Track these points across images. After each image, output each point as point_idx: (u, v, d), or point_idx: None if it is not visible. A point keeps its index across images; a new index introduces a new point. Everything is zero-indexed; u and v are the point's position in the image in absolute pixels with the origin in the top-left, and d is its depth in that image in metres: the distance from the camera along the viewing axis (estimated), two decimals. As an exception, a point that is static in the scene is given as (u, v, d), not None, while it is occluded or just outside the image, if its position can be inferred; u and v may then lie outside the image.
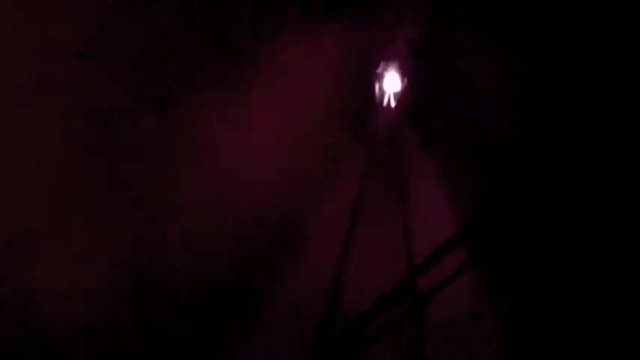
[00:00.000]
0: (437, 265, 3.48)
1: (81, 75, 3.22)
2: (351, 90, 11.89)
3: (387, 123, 15.66)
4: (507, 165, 4.81)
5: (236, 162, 4.90)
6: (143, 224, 3.69)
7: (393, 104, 17.80)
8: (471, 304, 4.08)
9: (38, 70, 2.98)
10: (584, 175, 3.37)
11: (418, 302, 3.71)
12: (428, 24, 10.46)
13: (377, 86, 17.81)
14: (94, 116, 3.33)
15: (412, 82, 16.20)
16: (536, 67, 4.26)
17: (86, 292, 3.12)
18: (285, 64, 6.19)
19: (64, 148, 3.07)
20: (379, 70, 17.52)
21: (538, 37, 4.19)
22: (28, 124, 2.90)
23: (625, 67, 3.10)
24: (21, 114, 2.89)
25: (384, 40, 14.70)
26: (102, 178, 3.35)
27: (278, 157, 5.83)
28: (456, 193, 6.78)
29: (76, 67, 3.20)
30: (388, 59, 17.71)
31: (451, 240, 3.51)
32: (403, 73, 18.05)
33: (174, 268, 3.81)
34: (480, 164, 6.11)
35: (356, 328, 3.84)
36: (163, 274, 3.73)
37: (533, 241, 3.74)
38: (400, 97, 18.08)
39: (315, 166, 7.58)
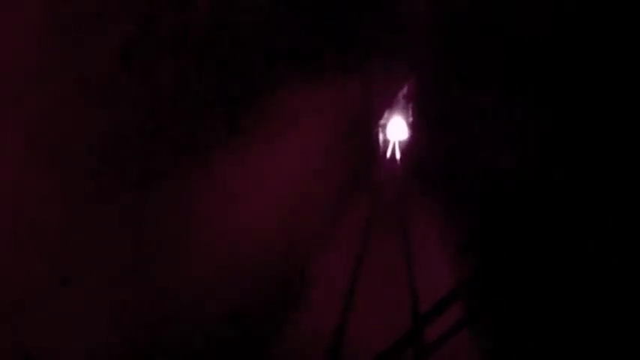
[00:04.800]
0: (439, 318, 3.44)
1: (79, 133, 3.23)
2: (354, 140, 12.02)
3: (390, 174, 15.78)
4: (510, 218, 4.82)
5: (237, 214, 4.93)
6: (145, 278, 3.69)
7: (397, 154, 17.97)
8: (474, 352, 4.03)
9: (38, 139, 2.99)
10: (588, 229, 3.38)
11: (420, 356, 3.65)
12: (430, 74, 10.67)
13: (381, 136, 18.03)
14: (93, 178, 3.34)
15: (416, 132, 16.41)
16: (540, 116, 4.34)
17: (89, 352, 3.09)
18: (287, 115, 6.29)
19: (65, 212, 3.07)
20: (383, 120, 17.77)
21: (543, 85, 4.28)
22: (29, 193, 2.90)
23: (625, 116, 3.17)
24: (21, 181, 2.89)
25: (387, 90, 14.96)
26: (103, 241, 3.35)
27: (279, 208, 5.86)
28: (458, 245, 6.77)
29: (73, 128, 3.22)
30: (392, 109, 18.00)
31: (453, 293, 3.49)
32: (407, 124, 18.29)
33: (177, 320, 3.80)
34: (483, 216, 6.12)
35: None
36: (164, 326, 3.71)
37: (534, 294, 3.73)
38: (404, 147, 18.25)
39: (317, 218, 7.61)
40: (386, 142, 18.59)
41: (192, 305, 3.94)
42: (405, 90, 16.38)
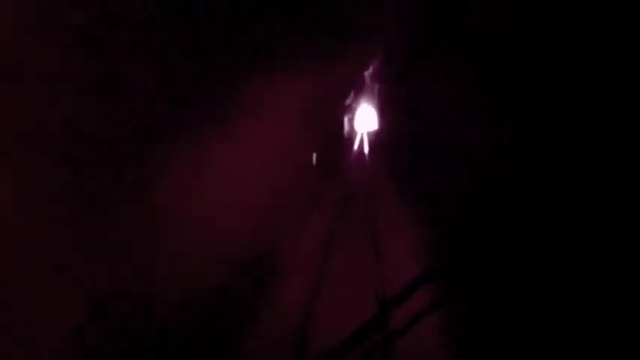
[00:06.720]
0: (407, 301, 3.46)
1: (52, 126, 3.20)
2: (323, 130, 11.97)
3: (359, 162, 15.83)
4: (481, 207, 4.87)
5: (210, 201, 4.89)
6: (119, 268, 3.64)
7: (365, 143, 18.02)
8: (441, 339, 4.07)
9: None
10: (556, 220, 3.44)
11: (388, 338, 3.67)
12: (398, 59, 10.63)
13: (349, 126, 18.02)
14: (68, 163, 3.30)
15: (384, 120, 16.46)
16: (510, 109, 4.37)
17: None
18: (256, 103, 6.23)
19: (37, 194, 3.03)
20: (351, 108, 17.73)
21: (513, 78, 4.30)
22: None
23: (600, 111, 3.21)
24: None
25: (355, 77, 14.88)
26: (77, 225, 3.31)
27: (249, 197, 5.82)
28: (426, 232, 6.83)
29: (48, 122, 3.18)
30: (360, 96, 17.96)
31: (421, 276, 3.51)
32: (375, 112, 18.30)
33: (155, 308, 3.77)
34: (450, 203, 6.18)
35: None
36: (141, 315, 3.68)
37: (503, 277, 3.77)
38: (373, 135, 18.30)
39: (287, 206, 7.58)
40: (354, 132, 18.58)
41: (162, 296, 3.90)
42: (373, 72, 16.32)
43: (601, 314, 2.79)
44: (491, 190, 4.28)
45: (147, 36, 4.13)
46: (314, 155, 9.80)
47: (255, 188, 6.15)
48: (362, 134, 18.87)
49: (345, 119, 17.49)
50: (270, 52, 6.57)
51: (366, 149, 17.35)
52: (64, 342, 3.10)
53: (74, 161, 3.41)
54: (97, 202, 3.57)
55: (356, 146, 17.71)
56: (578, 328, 2.98)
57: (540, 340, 3.28)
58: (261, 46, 6.28)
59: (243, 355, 4.17)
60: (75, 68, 3.38)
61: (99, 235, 3.54)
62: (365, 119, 18.94)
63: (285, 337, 4.42)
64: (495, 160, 4.34)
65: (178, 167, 4.54)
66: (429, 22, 6.99)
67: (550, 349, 3.17)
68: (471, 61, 5.11)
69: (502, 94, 4.34)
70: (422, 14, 7.26)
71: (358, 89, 17.47)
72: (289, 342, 4.37)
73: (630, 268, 2.65)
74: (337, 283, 5.65)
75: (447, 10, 5.95)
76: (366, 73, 16.51)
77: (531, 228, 3.44)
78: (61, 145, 3.26)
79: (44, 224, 3.10)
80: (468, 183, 5.13)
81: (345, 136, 17.49)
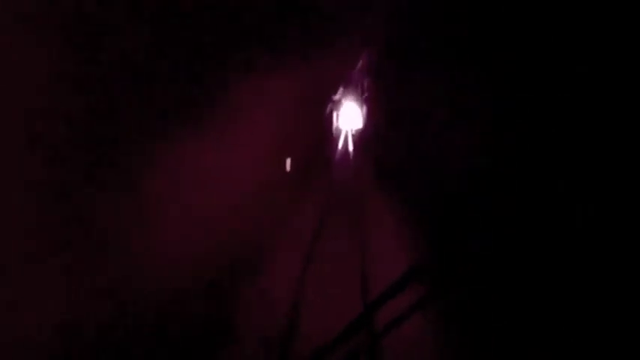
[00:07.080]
0: (393, 300, 3.42)
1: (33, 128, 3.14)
2: (308, 129, 11.93)
3: (344, 161, 15.80)
4: (463, 204, 4.84)
5: (200, 201, 4.84)
6: (105, 267, 3.57)
7: (350, 142, 18.01)
8: (426, 338, 4.05)
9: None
10: (556, 220, 3.41)
11: (373, 338, 3.61)
12: (384, 57, 10.60)
13: (334, 124, 17.98)
14: (60, 163, 3.24)
15: (369, 119, 16.45)
16: (497, 106, 4.34)
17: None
18: (241, 103, 6.17)
19: (28, 195, 2.96)
20: (336, 106, 17.70)
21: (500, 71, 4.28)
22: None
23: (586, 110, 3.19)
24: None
25: (341, 75, 14.86)
26: (68, 225, 3.24)
27: (240, 196, 5.77)
28: (411, 231, 6.80)
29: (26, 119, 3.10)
30: (348, 92, 17.94)
31: (406, 276, 3.47)
32: (360, 109, 18.30)
33: (137, 307, 3.71)
34: (436, 203, 6.15)
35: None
36: (124, 311, 3.61)
37: (497, 277, 3.75)
38: (357, 135, 18.30)
39: (272, 205, 7.54)
40: (339, 130, 18.54)
41: (144, 295, 3.84)
42: (362, 67, 16.30)
43: (600, 314, 2.75)
44: (488, 189, 4.25)
45: (142, 38, 4.07)
46: (288, 161, 9.66)
47: (244, 187, 6.11)
48: (347, 132, 18.82)
49: (333, 116, 17.44)
50: (264, 52, 6.49)
51: (351, 147, 17.32)
52: (53, 341, 3.05)
53: (67, 161, 3.38)
54: (89, 202, 3.52)
55: (341, 144, 17.67)
56: (576, 329, 2.94)
57: (532, 340, 3.25)
58: (254, 47, 6.22)
59: (230, 355, 4.11)
60: (68, 68, 3.33)
61: (88, 235, 3.48)
62: (351, 117, 18.89)
63: (272, 336, 4.36)
64: (494, 160, 4.31)
65: (170, 167, 4.50)
66: (425, 21, 6.94)
67: (543, 348, 3.14)
68: (470, 61, 5.07)
69: (502, 94, 4.30)
70: (419, 13, 7.21)
71: (347, 85, 17.41)
72: (276, 341, 4.31)
73: (630, 268, 2.62)
74: (324, 283, 5.60)
75: (445, 9, 5.90)
76: (355, 69, 16.46)
77: (531, 228, 3.41)
78: (51, 145, 3.21)
79: (35, 225, 3.05)
80: (463, 182, 5.09)
81: (333, 133, 17.44)
